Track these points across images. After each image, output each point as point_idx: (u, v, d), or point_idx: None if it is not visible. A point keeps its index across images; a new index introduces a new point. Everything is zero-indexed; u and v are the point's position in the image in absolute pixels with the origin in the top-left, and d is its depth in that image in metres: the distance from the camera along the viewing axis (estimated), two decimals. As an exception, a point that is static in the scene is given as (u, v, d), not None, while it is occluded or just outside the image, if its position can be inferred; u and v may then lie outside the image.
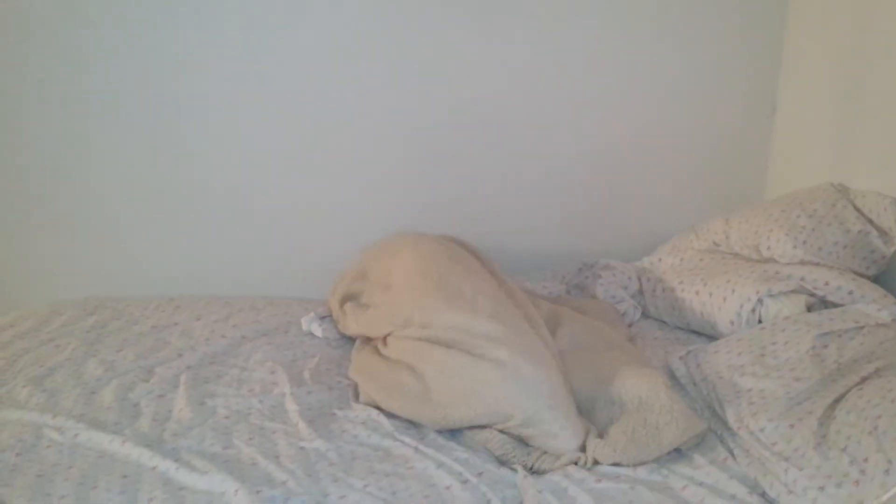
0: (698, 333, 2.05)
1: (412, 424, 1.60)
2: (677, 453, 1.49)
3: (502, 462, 1.49)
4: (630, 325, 2.14)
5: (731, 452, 1.48)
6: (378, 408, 1.65)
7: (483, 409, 1.53)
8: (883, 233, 1.98)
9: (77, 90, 2.17)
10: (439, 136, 2.38)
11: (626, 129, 2.49)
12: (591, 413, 1.60)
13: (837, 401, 1.47)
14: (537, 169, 2.47)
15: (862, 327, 1.70)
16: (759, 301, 1.87)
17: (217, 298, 2.21)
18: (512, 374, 1.54)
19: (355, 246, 2.19)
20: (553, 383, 1.56)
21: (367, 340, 1.90)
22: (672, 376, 1.76)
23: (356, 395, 1.72)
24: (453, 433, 1.57)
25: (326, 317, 2.09)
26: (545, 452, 1.49)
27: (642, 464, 1.45)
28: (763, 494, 1.35)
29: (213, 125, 2.25)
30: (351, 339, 1.98)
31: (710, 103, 2.51)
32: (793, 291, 1.87)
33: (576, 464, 1.47)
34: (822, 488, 1.27)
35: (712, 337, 1.96)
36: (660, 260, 2.30)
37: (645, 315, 2.22)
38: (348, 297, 2.04)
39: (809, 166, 2.36)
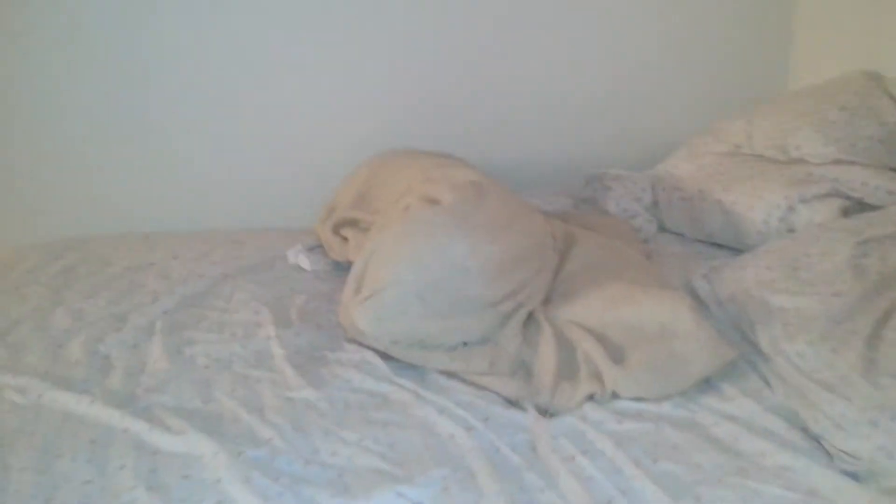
0: (721, 246, 1.92)
1: (410, 366, 1.46)
2: (705, 384, 1.35)
3: (511, 403, 1.35)
4: (645, 241, 1.99)
5: (765, 381, 1.34)
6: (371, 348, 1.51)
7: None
8: (925, 124, 1.81)
9: (31, 23, 1.96)
10: (432, 45, 2.21)
11: (632, 17, 2.31)
12: (604, 340, 1.44)
13: (885, 318, 1.31)
14: (539, 69, 2.30)
15: (906, 232, 1.53)
16: (790, 208, 1.75)
17: (195, 234, 2.06)
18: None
19: (342, 170, 2.03)
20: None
21: None
22: (695, 296, 1.61)
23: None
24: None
25: (315, 247, 1.95)
26: (558, 387, 1.35)
27: (667, 397, 1.32)
28: (805, 430, 1.21)
29: (182, 41, 2.05)
30: (344, 270, 1.83)
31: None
32: (826, 195, 1.74)
33: (592, 397, 1.34)
34: (874, 422, 1.12)
35: (737, 250, 1.82)
36: (675, 167, 2.13)
37: (661, 229, 2.08)
38: (347, 223, 1.90)
39: (837, 54, 2.21)
